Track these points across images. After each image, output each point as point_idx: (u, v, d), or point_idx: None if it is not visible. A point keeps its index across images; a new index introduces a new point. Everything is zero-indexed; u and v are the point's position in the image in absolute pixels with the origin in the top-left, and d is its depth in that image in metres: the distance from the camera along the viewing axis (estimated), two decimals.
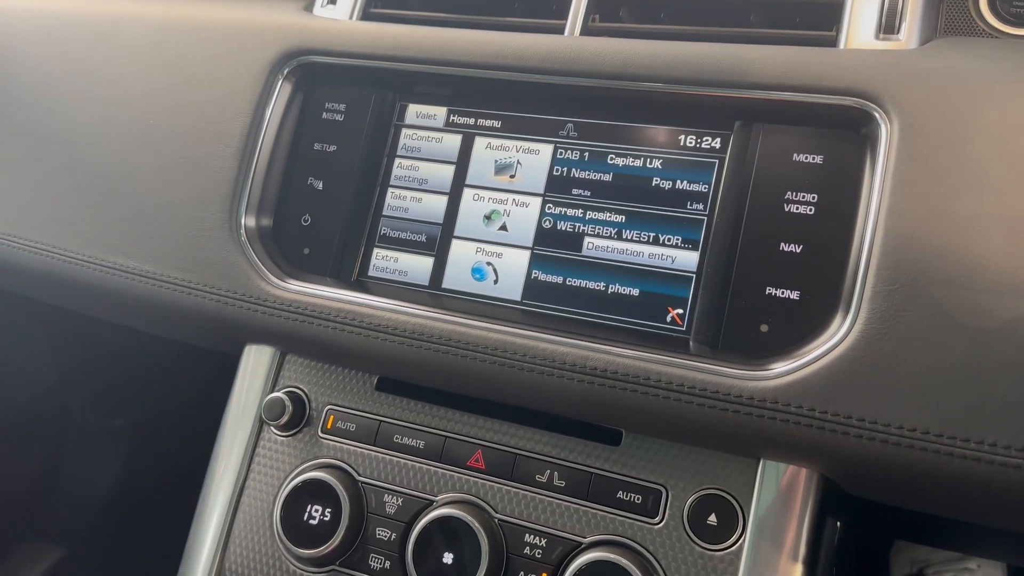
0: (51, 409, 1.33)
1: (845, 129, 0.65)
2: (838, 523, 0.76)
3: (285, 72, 0.80)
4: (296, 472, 0.75)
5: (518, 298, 0.73)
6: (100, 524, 1.36)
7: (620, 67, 0.69)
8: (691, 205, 0.69)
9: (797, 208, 0.65)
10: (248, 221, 0.78)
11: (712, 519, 0.65)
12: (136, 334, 1.25)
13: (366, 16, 0.82)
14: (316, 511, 0.72)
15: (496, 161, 0.76)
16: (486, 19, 0.77)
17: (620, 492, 0.67)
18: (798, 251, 0.65)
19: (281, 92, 0.80)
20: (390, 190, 0.79)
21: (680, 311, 0.68)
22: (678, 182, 0.70)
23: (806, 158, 0.66)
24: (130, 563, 1.31)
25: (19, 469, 1.31)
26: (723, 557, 0.64)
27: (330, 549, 0.70)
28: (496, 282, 0.74)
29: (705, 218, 0.69)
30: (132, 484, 1.40)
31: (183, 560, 0.79)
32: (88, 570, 1.30)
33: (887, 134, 0.62)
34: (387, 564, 0.70)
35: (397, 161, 0.79)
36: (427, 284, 0.76)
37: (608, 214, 0.72)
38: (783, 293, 0.64)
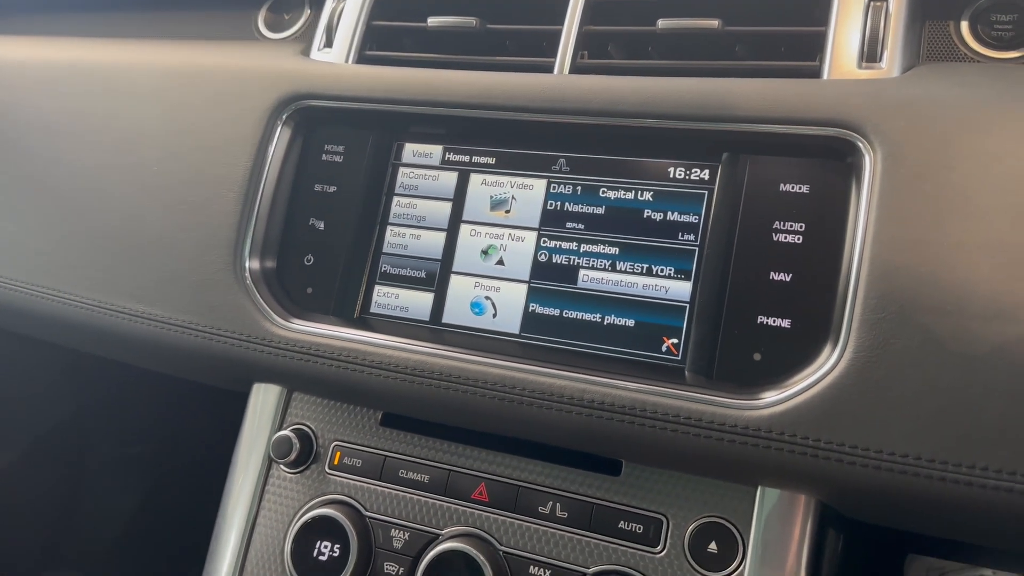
0: (69, 439, 1.35)
1: (830, 159, 0.66)
2: (840, 536, 0.76)
3: (284, 117, 0.82)
4: (305, 509, 0.77)
5: (517, 331, 0.75)
6: (119, 550, 1.38)
7: (608, 104, 0.71)
8: (682, 236, 0.71)
9: (785, 237, 0.66)
10: (252, 264, 0.79)
11: (712, 547, 0.66)
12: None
13: (361, 59, 0.84)
14: (325, 547, 0.73)
15: (491, 197, 0.77)
16: (478, 59, 0.79)
17: (621, 522, 0.69)
18: (788, 280, 0.66)
19: (281, 136, 0.82)
20: (389, 228, 0.80)
21: (675, 341, 0.69)
22: (669, 213, 0.71)
23: (793, 188, 0.67)
24: None
25: (40, 498, 1.33)
26: None
27: None
28: (495, 316, 0.76)
29: (696, 248, 0.70)
30: (150, 510, 1.42)
31: None
32: None
33: (871, 163, 0.63)
34: None
35: (395, 199, 0.81)
36: (428, 319, 0.78)
37: (602, 246, 0.73)
38: (774, 322, 0.65)
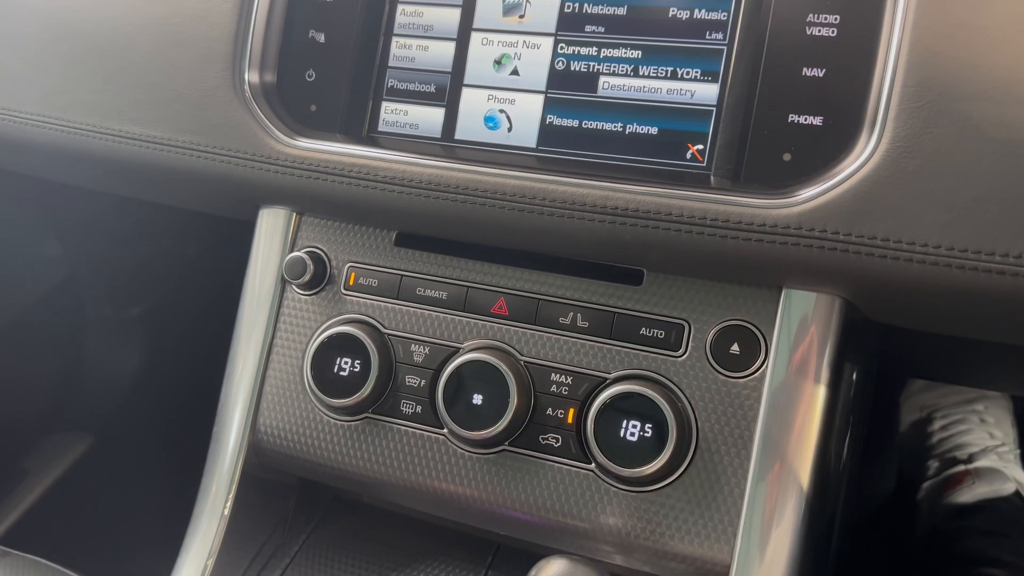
0: (66, 304, 1.34)
1: None
2: (855, 371, 0.77)
3: None
4: (323, 328, 0.76)
5: (533, 145, 0.72)
6: (127, 410, 1.39)
7: None
8: (710, 35, 0.67)
9: (819, 31, 0.63)
10: (252, 77, 0.75)
11: (735, 348, 0.66)
12: (144, 224, 1.24)
13: None
14: (346, 363, 0.73)
15: (504, 1, 0.73)
16: None
17: (643, 329, 0.68)
18: (821, 75, 0.63)
19: None
20: (394, 39, 0.76)
21: (700, 147, 0.67)
22: (696, 11, 0.67)
23: None
24: (159, 443, 1.36)
25: (41, 364, 1.33)
26: (746, 384, 0.66)
27: (362, 397, 0.72)
28: (510, 130, 0.73)
29: (725, 48, 0.66)
30: (154, 369, 1.42)
31: (216, 422, 0.81)
32: (119, 454, 1.34)
33: None
34: (418, 408, 0.73)
35: (400, 8, 0.76)
36: (439, 136, 0.75)
37: (623, 50, 0.69)
38: (806, 119, 0.63)
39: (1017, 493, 1.19)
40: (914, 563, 1.20)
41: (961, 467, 1.24)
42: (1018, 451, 1.28)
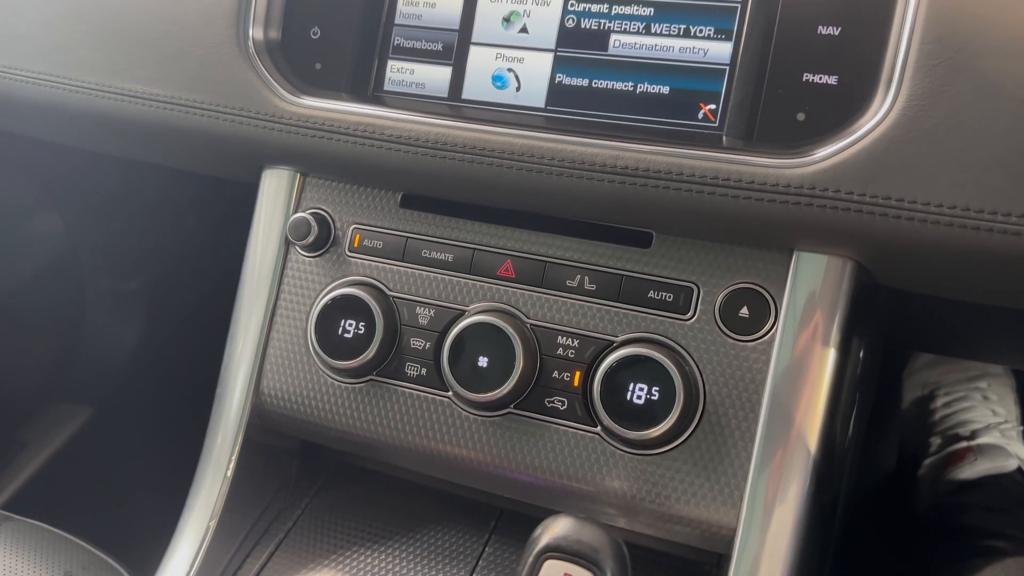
0: (65, 276, 1.34)
1: None
2: (862, 345, 0.76)
3: None
4: (327, 290, 0.75)
5: (542, 104, 0.71)
6: (126, 382, 1.39)
7: None
8: None
9: None
10: (256, 34, 0.74)
11: (744, 312, 0.65)
12: (144, 195, 1.23)
13: None
14: (350, 325, 0.73)
15: None
16: None
17: (651, 292, 0.68)
18: (837, 33, 0.62)
19: None
20: None
21: (713, 106, 0.66)
22: None
23: None
24: (159, 413, 1.35)
25: (40, 335, 1.33)
26: (755, 347, 0.65)
27: (366, 360, 0.72)
28: (518, 89, 0.72)
29: (739, 5, 0.65)
30: (154, 342, 1.42)
31: (219, 385, 0.80)
32: (118, 426, 1.34)
33: None
34: (423, 371, 0.72)
35: None
36: (446, 96, 0.74)
37: (636, 7, 0.68)
38: (821, 79, 0.62)
39: (1019, 469, 1.19)
40: (915, 538, 1.20)
41: (963, 444, 1.23)
42: (1021, 428, 1.27)
